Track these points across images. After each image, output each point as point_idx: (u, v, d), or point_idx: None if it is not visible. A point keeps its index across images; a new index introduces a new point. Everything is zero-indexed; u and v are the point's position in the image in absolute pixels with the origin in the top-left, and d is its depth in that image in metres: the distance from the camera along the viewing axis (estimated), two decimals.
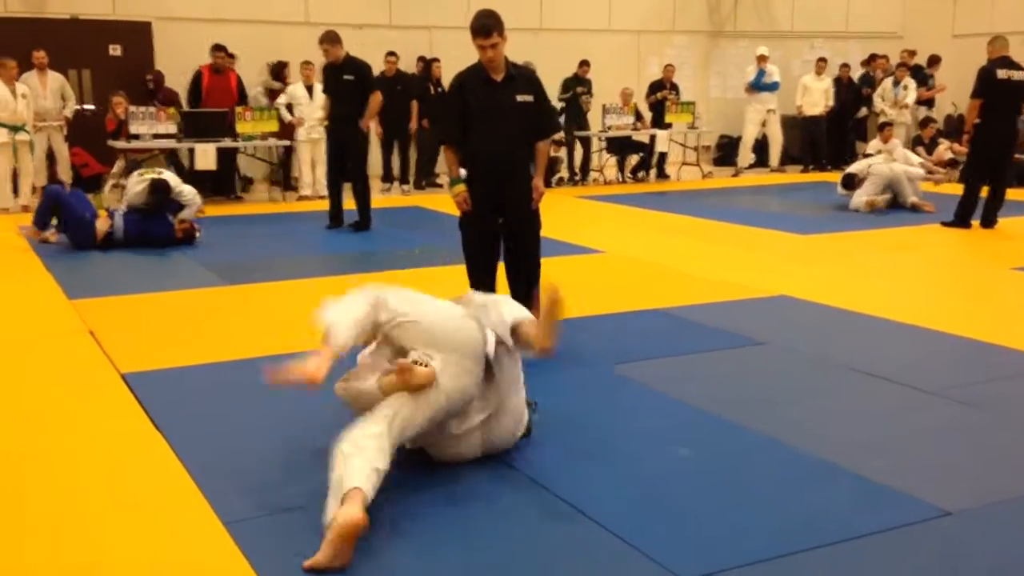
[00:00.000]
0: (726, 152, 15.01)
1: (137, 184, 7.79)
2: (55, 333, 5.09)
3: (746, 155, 14.04)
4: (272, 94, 11.51)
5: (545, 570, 2.64)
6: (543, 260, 5.04)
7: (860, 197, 9.76)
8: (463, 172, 4.90)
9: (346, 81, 8.23)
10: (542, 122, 4.86)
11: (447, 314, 3.23)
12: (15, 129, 9.56)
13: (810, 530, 2.85)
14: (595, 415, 3.86)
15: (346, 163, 8.47)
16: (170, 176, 8.14)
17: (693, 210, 9.91)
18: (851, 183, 9.94)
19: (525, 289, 4.86)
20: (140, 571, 2.61)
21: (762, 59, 13.53)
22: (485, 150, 4.70)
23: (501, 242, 4.97)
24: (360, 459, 2.81)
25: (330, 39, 8.16)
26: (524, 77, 4.76)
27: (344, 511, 2.64)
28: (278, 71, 11.79)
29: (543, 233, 5.03)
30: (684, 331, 5.16)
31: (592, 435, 3.61)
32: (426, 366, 3.04)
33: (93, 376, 4.32)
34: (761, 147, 14.16)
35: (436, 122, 10.46)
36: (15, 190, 9.70)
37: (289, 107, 10.91)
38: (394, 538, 2.76)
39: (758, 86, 13.58)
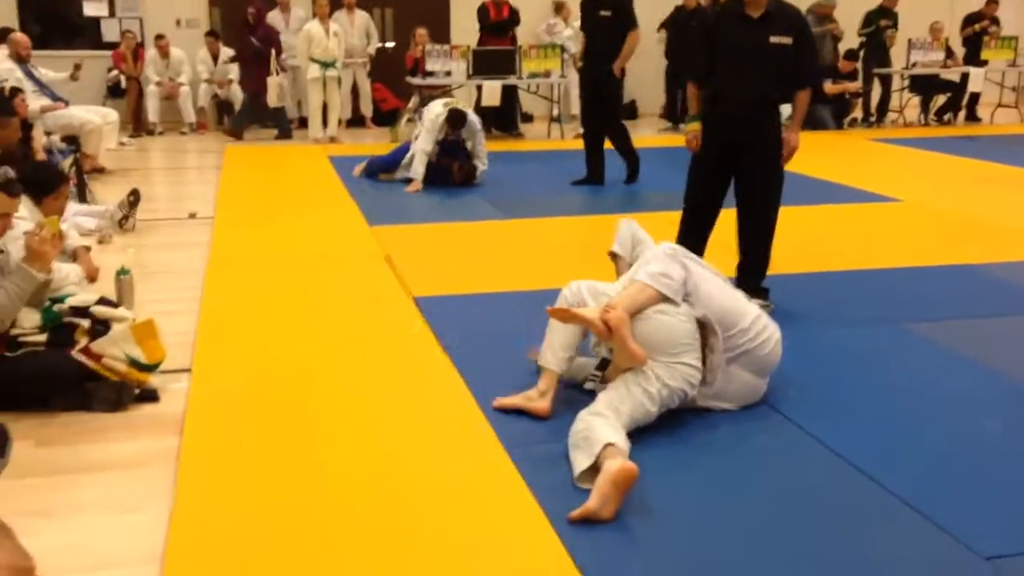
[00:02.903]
0: None
1: (440, 112, 7.52)
2: (358, 256, 5.50)
3: None
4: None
5: (837, 539, 2.50)
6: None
7: None
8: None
9: (602, 17, 7.60)
10: (799, 68, 4.25)
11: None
12: (326, 65, 10.35)
13: None
14: (889, 378, 3.58)
15: (596, 106, 7.81)
16: (471, 113, 7.85)
17: (1009, 158, 8.88)
18: None
19: (753, 268, 4.39)
20: (425, 476, 2.78)
21: None
22: (726, 91, 4.27)
23: (724, 196, 4.45)
24: (602, 422, 2.78)
25: None
26: (786, 16, 4.20)
27: (614, 461, 2.57)
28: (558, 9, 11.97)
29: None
30: (996, 291, 4.65)
31: (887, 400, 3.36)
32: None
33: (389, 298, 4.63)
34: None
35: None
36: (324, 123, 10.55)
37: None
38: (664, 491, 2.69)
39: None
